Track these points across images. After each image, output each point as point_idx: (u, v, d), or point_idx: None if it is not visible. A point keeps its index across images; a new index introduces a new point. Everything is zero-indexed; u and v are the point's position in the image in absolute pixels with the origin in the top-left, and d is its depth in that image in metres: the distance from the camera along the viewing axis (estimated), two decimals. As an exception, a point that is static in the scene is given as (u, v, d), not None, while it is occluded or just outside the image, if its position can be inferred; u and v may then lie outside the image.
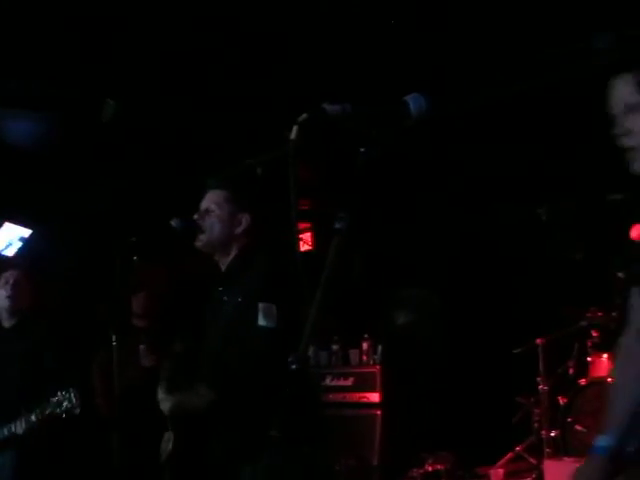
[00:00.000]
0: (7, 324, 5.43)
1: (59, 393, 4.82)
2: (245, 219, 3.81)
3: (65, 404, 4.81)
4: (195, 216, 3.83)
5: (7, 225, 7.87)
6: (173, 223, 3.91)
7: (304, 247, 8.49)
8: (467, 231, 7.58)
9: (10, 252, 7.97)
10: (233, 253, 3.83)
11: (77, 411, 4.80)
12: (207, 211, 3.83)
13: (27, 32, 5.06)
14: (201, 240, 3.81)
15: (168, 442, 3.78)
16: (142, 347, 6.94)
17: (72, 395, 4.82)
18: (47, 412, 4.87)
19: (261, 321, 3.50)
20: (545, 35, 4.92)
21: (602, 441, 2.54)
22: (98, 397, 7.28)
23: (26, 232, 8.00)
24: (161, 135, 6.56)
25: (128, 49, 5.31)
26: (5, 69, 5.47)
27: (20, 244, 7.99)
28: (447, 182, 7.31)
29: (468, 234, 7.59)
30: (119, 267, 4.15)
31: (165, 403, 3.70)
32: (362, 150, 2.18)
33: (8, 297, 5.33)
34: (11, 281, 5.34)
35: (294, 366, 1.97)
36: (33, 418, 4.92)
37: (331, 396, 7.14)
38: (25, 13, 4.87)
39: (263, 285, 3.61)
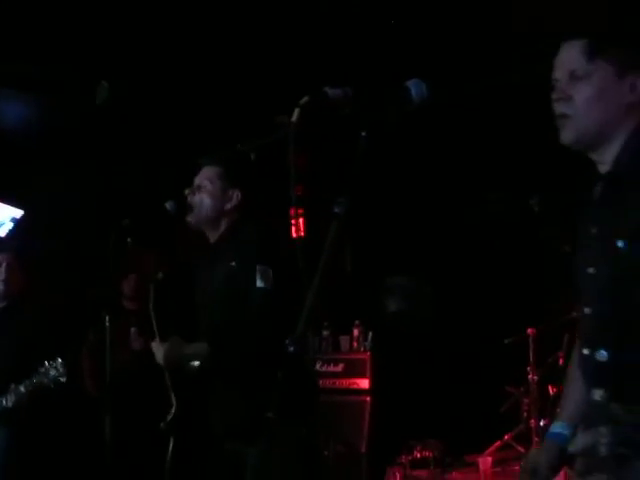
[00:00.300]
0: (3, 303, 5.45)
1: (46, 363, 4.87)
2: (236, 195, 3.87)
3: (52, 372, 4.87)
4: (186, 191, 3.86)
5: (-1, 205, 7.85)
6: (167, 206, 3.92)
7: (296, 233, 8.47)
8: (459, 220, 7.58)
9: (2, 232, 7.95)
10: (222, 229, 3.87)
11: (64, 379, 4.84)
12: (199, 187, 3.88)
13: (19, 14, 5.03)
14: (191, 216, 3.86)
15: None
16: (133, 330, 6.93)
17: (58, 364, 4.86)
18: (35, 381, 4.93)
19: (259, 283, 3.56)
20: (545, 23, 4.91)
21: (556, 427, 2.58)
22: (87, 378, 7.28)
23: (18, 213, 7.97)
24: (155, 118, 6.53)
25: (121, 32, 5.28)
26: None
27: (12, 225, 7.97)
28: (439, 170, 7.31)
29: (460, 223, 7.60)
30: (112, 249, 4.15)
31: (159, 351, 3.74)
32: (363, 134, 2.18)
33: (2, 281, 5.35)
34: (4, 265, 5.36)
35: (292, 348, 1.97)
36: (22, 389, 4.99)
37: (321, 382, 7.13)
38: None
39: (258, 249, 3.67)
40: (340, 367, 7.19)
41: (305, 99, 2.16)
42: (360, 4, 4.98)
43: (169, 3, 5.02)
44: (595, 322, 2.34)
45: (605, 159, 2.38)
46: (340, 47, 5.30)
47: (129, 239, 4.20)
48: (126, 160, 7.34)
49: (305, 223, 8.58)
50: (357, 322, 7.48)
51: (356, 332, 7.45)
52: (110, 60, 5.66)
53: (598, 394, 2.31)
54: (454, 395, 6.91)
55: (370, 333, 7.34)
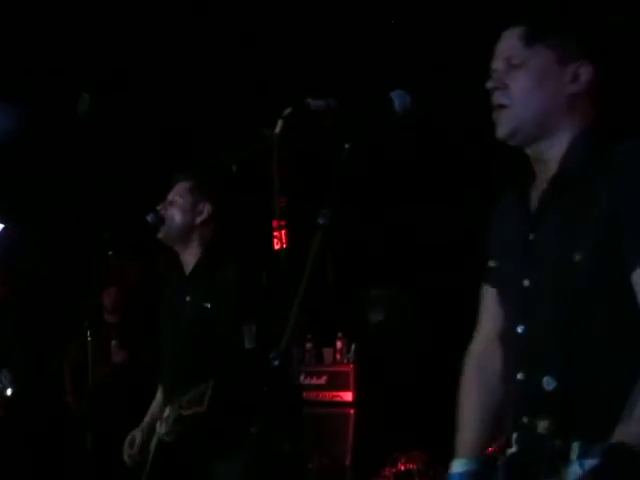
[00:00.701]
0: None
1: None
2: (207, 209, 3.83)
3: None
4: (158, 207, 3.84)
5: (-21, 219, 7.80)
6: (148, 218, 3.90)
7: (278, 245, 8.46)
8: (439, 228, 7.57)
9: (-19, 246, 7.91)
10: (194, 246, 3.83)
11: (8, 392, 4.84)
12: (170, 202, 3.86)
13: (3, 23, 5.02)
14: (162, 231, 3.82)
15: (135, 446, 3.75)
16: (114, 342, 6.89)
17: (4, 377, 4.86)
18: None
19: (247, 343, 3.49)
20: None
21: (458, 466, 2.38)
22: (68, 393, 7.23)
23: (-1, 225, 7.94)
24: (137, 130, 6.51)
25: (104, 42, 5.27)
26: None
27: (-8, 238, 7.93)
28: (420, 180, 7.30)
29: (440, 231, 7.58)
30: (94, 262, 4.12)
31: (171, 436, 3.59)
32: (346, 146, 2.17)
33: None
34: None
35: (276, 362, 1.95)
36: None
37: (304, 394, 7.11)
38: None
39: (242, 301, 3.60)
40: (323, 379, 7.17)
41: (288, 110, 2.14)
42: (344, 14, 4.98)
43: (152, 14, 5.01)
44: (534, 343, 2.11)
45: (546, 156, 2.20)
46: (324, 57, 5.30)
47: (110, 252, 4.18)
48: (108, 173, 7.31)
49: (288, 235, 8.58)
50: (340, 334, 7.46)
51: (339, 344, 7.42)
52: (92, 71, 5.64)
53: (542, 426, 2.06)
54: (438, 406, 6.87)
55: (353, 345, 7.33)
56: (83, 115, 5.81)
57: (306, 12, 4.98)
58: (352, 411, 6.90)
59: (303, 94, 2.26)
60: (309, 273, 2.07)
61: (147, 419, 3.87)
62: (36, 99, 5.95)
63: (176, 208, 3.82)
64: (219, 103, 5.98)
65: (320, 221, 2.11)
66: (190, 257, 3.84)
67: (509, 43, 2.20)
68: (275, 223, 8.37)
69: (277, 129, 2.13)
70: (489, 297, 2.39)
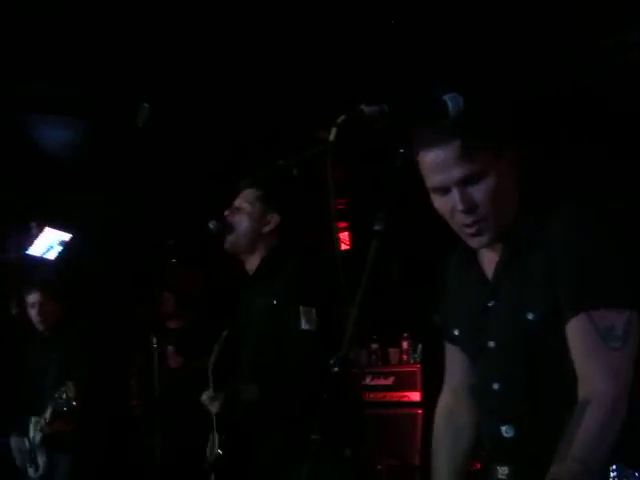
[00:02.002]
0: (46, 334, 5.65)
1: (61, 389, 4.97)
2: (274, 219, 3.81)
3: (63, 397, 4.96)
4: (226, 212, 3.84)
5: (48, 230, 7.95)
6: (210, 225, 3.92)
7: (342, 247, 8.48)
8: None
9: (51, 255, 8.06)
10: (260, 254, 3.82)
11: (74, 402, 4.92)
12: (238, 209, 3.83)
13: (60, 38, 5.09)
14: (229, 240, 3.81)
15: (213, 445, 3.77)
16: (170, 348, 6.99)
17: (66, 389, 4.95)
18: (52, 408, 5.05)
19: (304, 325, 3.50)
20: (579, 29, 4.86)
21: None
22: (134, 399, 7.35)
23: (66, 236, 8.08)
24: (197, 137, 6.57)
25: (161, 53, 5.32)
26: (39, 76, 5.52)
27: (60, 248, 8.08)
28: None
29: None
30: (156, 269, 4.17)
31: (214, 402, 3.65)
32: (401, 150, 2.18)
33: (38, 321, 5.52)
34: (36, 305, 5.50)
35: (336, 369, 1.96)
36: (47, 416, 5.11)
37: (371, 395, 7.13)
38: (58, 19, 4.90)
39: (300, 288, 3.59)
40: (390, 380, 7.17)
41: (342, 118, 2.14)
42: (395, 20, 4.96)
43: (206, 24, 5.05)
44: (504, 397, 2.27)
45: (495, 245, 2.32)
46: (379, 61, 5.28)
47: (173, 259, 4.22)
48: (169, 181, 7.39)
49: (351, 236, 8.59)
50: (406, 334, 7.46)
51: (405, 344, 7.42)
52: (150, 82, 5.70)
53: (502, 472, 2.26)
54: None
55: (420, 345, 7.31)
56: (143, 125, 5.87)
57: (358, 18, 4.98)
58: (420, 411, 6.89)
59: (358, 98, 2.26)
60: (366, 279, 2.07)
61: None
62: (96, 111, 6.03)
63: (244, 215, 3.80)
64: (276, 109, 6.01)
65: (376, 227, 2.11)
66: (255, 262, 3.84)
67: (451, 160, 2.20)
68: (336, 225, 8.41)
69: (331, 136, 2.13)
70: (453, 353, 2.56)
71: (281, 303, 3.63)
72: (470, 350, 2.44)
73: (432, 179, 2.25)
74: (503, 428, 2.23)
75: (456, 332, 2.46)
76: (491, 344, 2.30)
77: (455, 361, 2.56)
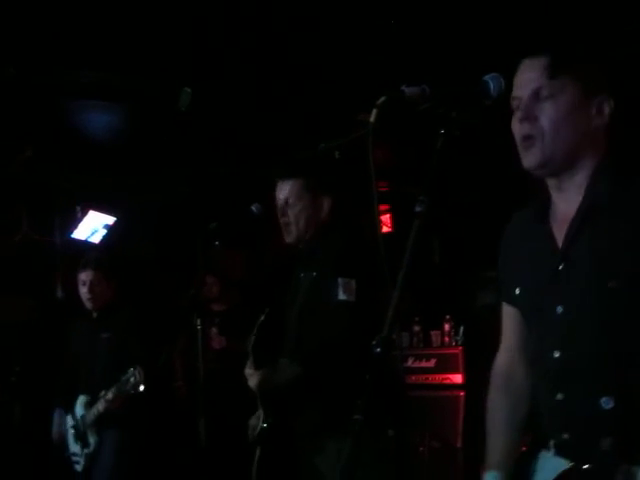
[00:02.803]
0: (94, 315, 5.70)
1: (128, 371, 5.04)
2: (327, 202, 3.79)
3: (131, 380, 5.03)
4: (279, 214, 3.81)
5: (92, 213, 8.04)
6: (253, 208, 3.93)
7: (384, 229, 8.48)
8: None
9: (95, 239, 8.15)
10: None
11: (140, 387, 4.99)
12: (287, 204, 3.79)
13: (102, 23, 5.13)
14: (291, 236, 3.80)
15: (257, 419, 3.79)
16: (213, 330, 7.05)
17: (137, 372, 5.01)
18: (118, 390, 5.13)
19: (341, 295, 3.49)
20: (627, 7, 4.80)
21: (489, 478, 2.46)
22: (177, 380, 7.43)
23: (110, 219, 8.16)
24: (239, 120, 6.59)
25: (201, 36, 5.34)
26: (81, 62, 5.57)
27: (104, 231, 8.16)
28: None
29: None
30: (200, 252, 4.20)
31: (252, 379, 3.68)
32: (442, 131, 2.17)
33: (88, 298, 5.56)
34: (87, 283, 5.56)
35: (378, 350, 1.97)
36: (110, 396, 5.18)
37: (413, 378, 7.13)
38: (99, 6, 4.93)
39: (340, 260, 3.58)
40: (432, 362, 7.17)
41: (382, 99, 2.15)
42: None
43: (247, 7, 5.05)
44: (574, 367, 2.19)
45: (565, 185, 2.27)
46: (419, 42, 5.26)
47: (216, 242, 4.24)
48: (212, 164, 7.43)
49: (392, 219, 8.58)
50: (448, 317, 7.44)
51: (447, 327, 7.41)
52: (191, 65, 5.72)
53: (605, 443, 2.13)
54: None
55: (461, 327, 7.30)
56: (185, 108, 5.90)
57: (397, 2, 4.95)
58: (462, 393, 6.89)
59: (399, 80, 2.26)
60: (407, 261, 2.07)
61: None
62: (139, 96, 6.07)
63: (298, 210, 3.77)
64: (318, 91, 6.00)
65: (417, 209, 2.11)
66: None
67: (534, 74, 2.23)
68: (377, 208, 8.40)
69: (372, 118, 2.14)
70: (511, 315, 2.48)
71: (321, 275, 3.65)
72: (529, 312, 2.37)
73: (513, 92, 2.26)
74: (602, 400, 2.14)
75: (517, 291, 2.38)
76: (559, 309, 2.21)
77: (511, 323, 2.49)
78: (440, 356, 7.18)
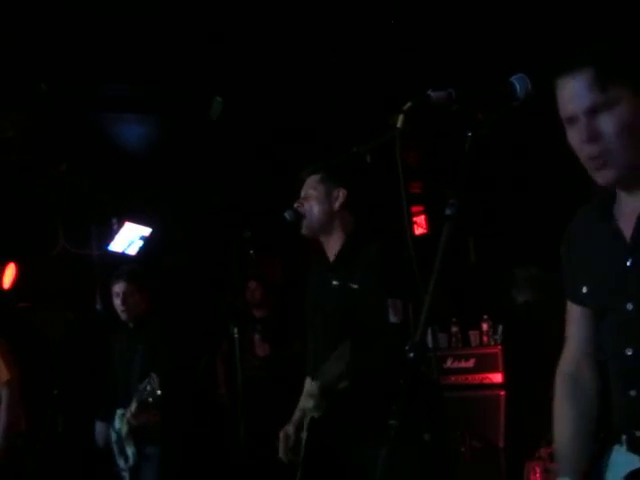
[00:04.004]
0: (131, 326, 5.77)
1: (144, 380, 5.08)
2: (341, 193, 3.85)
3: (148, 388, 5.06)
4: (296, 204, 3.90)
5: (128, 225, 8.09)
6: (286, 215, 3.95)
7: (418, 230, 8.47)
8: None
9: (132, 251, 8.21)
10: (338, 233, 3.85)
11: (159, 392, 5.02)
12: (305, 197, 3.90)
13: (132, 36, 5.18)
14: (304, 226, 3.87)
15: (289, 440, 3.78)
16: (257, 337, 7.08)
17: (153, 379, 5.05)
18: (137, 399, 5.16)
19: (392, 318, 3.52)
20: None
21: None
22: (220, 387, 7.47)
23: (146, 231, 8.22)
24: (270, 129, 6.62)
25: (231, 45, 5.37)
26: (114, 75, 5.62)
27: (141, 243, 8.22)
28: (562, 158, 7.15)
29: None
30: (235, 261, 4.22)
31: (318, 410, 3.64)
32: (469, 134, 2.18)
33: (122, 310, 5.62)
34: (121, 295, 5.60)
35: (411, 354, 1.98)
36: (133, 408, 5.24)
37: (452, 378, 7.11)
38: (129, 19, 4.98)
39: (386, 278, 3.59)
40: (471, 362, 7.13)
41: (409, 104, 2.16)
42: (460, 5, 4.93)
43: (275, 15, 5.08)
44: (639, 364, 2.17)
45: (633, 183, 2.22)
46: (446, 45, 5.26)
47: (251, 250, 4.26)
48: (245, 174, 7.46)
49: (427, 220, 8.57)
50: (485, 316, 7.41)
51: (485, 326, 7.37)
52: (222, 75, 5.76)
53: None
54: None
55: (500, 326, 7.26)
56: (217, 118, 5.94)
57: (424, 4, 4.95)
58: (502, 392, 6.84)
59: (426, 83, 2.27)
60: (440, 262, 2.08)
61: (297, 414, 3.85)
62: (171, 107, 6.12)
63: (312, 201, 3.86)
64: (349, 96, 6.02)
65: (448, 211, 2.12)
66: (335, 244, 3.88)
67: (582, 89, 2.15)
68: (414, 209, 8.39)
69: (399, 123, 2.15)
70: (577, 315, 2.46)
71: (365, 290, 3.65)
72: (598, 310, 2.34)
73: (563, 109, 2.20)
74: (632, 392, 2.16)
75: (584, 289, 2.35)
76: (629, 306, 2.18)
77: (577, 324, 2.47)
78: (479, 356, 7.14)
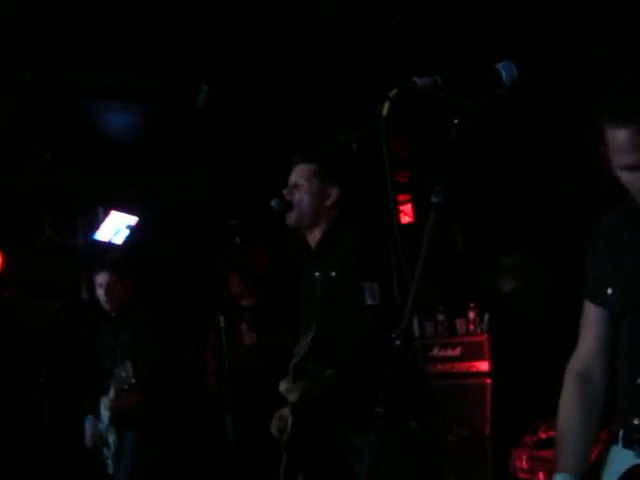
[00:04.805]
0: (113, 316, 5.75)
1: (120, 367, 5.09)
2: (334, 192, 3.82)
3: (122, 375, 5.06)
4: (284, 191, 3.85)
5: (114, 214, 8.07)
6: (273, 204, 3.94)
7: (405, 219, 8.47)
8: (573, 194, 7.40)
9: (118, 240, 8.19)
10: (322, 227, 3.83)
11: (132, 380, 5.03)
12: (296, 186, 3.84)
13: (116, 24, 5.15)
14: (291, 217, 3.82)
15: (283, 420, 3.77)
16: (244, 326, 7.08)
17: (126, 367, 5.05)
18: (113, 387, 5.17)
19: (368, 300, 3.51)
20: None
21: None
22: (209, 376, 7.47)
23: (132, 219, 8.20)
24: (256, 117, 6.60)
25: (217, 33, 5.35)
26: (98, 62, 5.59)
27: (127, 232, 8.19)
28: (546, 146, 7.17)
29: (575, 197, 7.42)
30: (222, 250, 4.21)
31: (293, 394, 3.63)
32: (455, 121, 2.17)
33: (105, 300, 5.60)
34: (104, 285, 5.59)
35: (397, 342, 1.98)
36: (111, 394, 5.29)
37: (439, 366, 7.12)
38: (115, 7, 4.95)
39: (361, 262, 3.59)
40: (458, 351, 7.15)
41: (394, 91, 2.15)
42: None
43: (263, 3, 5.06)
44: None
45: None
46: (431, 31, 5.25)
47: (237, 239, 4.25)
48: (230, 162, 7.44)
49: (414, 209, 8.57)
50: (472, 304, 7.42)
51: (472, 314, 7.38)
52: (208, 63, 5.73)
53: None
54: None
55: (486, 315, 7.28)
56: (202, 106, 5.91)
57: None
58: (489, 381, 6.86)
59: (413, 70, 2.26)
60: (426, 251, 2.07)
61: None
62: (157, 95, 6.09)
63: (304, 193, 3.81)
64: (333, 85, 6.00)
65: (434, 199, 2.11)
66: (317, 236, 3.86)
67: (634, 140, 2.19)
68: (401, 198, 8.40)
69: (384, 111, 2.14)
70: (594, 317, 2.50)
71: (341, 276, 3.65)
72: (624, 311, 2.37)
73: (623, 158, 2.23)
74: None
75: (609, 291, 2.40)
76: None
77: (594, 324, 2.50)
78: (466, 344, 7.15)
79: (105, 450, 5.57)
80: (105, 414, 5.51)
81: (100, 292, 5.65)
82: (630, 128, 2.17)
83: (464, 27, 5.15)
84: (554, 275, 7.47)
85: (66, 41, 5.29)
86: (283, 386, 3.66)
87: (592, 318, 2.51)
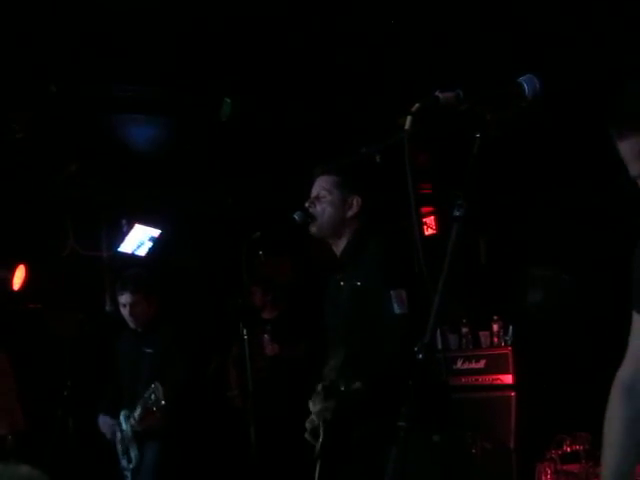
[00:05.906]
0: (139, 330, 5.77)
1: (149, 388, 5.09)
2: (356, 201, 3.84)
3: (152, 397, 5.07)
4: (306, 204, 3.88)
5: (137, 226, 8.10)
6: (295, 216, 3.95)
7: (428, 231, 8.45)
8: (600, 207, 7.35)
9: (142, 252, 8.21)
10: (346, 237, 3.85)
11: (163, 402, 5.03)
12: (318, 198, 3.87)
13: (142, 37, 5.18)
14: (314, 227, 3.85)
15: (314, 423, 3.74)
16: (265, 337, 7.09)
17: (157, 388, 5.05)
18: (142, 406, 5.18)
19: (396, 309, 3.51)
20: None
21: None
22: (233, 389, 7.48)
23: (156, 232, 8.22)
24: (280, 130, 6.61)
25: (240, 46, 5.37)
26: (123, 76, 5.62)
27: (150, 244, 8.22)
28: (573, 158, 7.14)
29: (601, 210, 7.37)
30: (245, 262, 4.21)
31: (326, 413, 3.60)
32: (477, 135, 2.17)
33: (130, 320, 5.66)
34: (127, 307, 5.60)
35: (420, 355, 1.97)
36: (137, 413, 5.24)
37: (463, 379, 7.09)
38: (139, 20, 4.98)
39: (387, 270, 3.61)
40: (482, 363, 7.11)
41: (417, 106, 2.15)
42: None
43: (284, 16, 5.08)
44: None
45: None
46: (454, 45, 5.25)
47: (260, 251, 4.26)
48: (254, 174, 7.46)
49: (437, 220, 8.55)
50: (496, 317, 7.39)
51: (496, 327, 7.35)
52: (231, 76, 5.76)
53: None
54: (601, 386, 6.72)
55: (510, 327, 7.24)
56: (226, 119, 5.94)
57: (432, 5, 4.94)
58: (513, 394, 6.82)
59: (437, 84, 2.26)
60: (449, 265, 2.07)
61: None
62: (180, 108, 6.12)
63: (326, 204, 3.84)
64: (357, 98, 6.01)
65: (456, 213, 2.11)
66: (342, 246, 3.88)
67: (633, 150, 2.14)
68: (424, 210, 8.38)
69: (406, 125, 2.14)
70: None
71: (367, 285, 3.66)
72: None
73: (631, 168, 2.19)
74: None
75: None
76: None
77: None
78: (490, 357, 7.12)
79: (124, 462, 5.58)
80: (127, 428, 5.52)
81: (124, 312, 5.66)
82: (631, 140, 2.14)
83: (486, 41, 5.15)
84: (580, 288, 7.43)
85: (90, 54, 5.33)
86: (314, 407, 3.64)
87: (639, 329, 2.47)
